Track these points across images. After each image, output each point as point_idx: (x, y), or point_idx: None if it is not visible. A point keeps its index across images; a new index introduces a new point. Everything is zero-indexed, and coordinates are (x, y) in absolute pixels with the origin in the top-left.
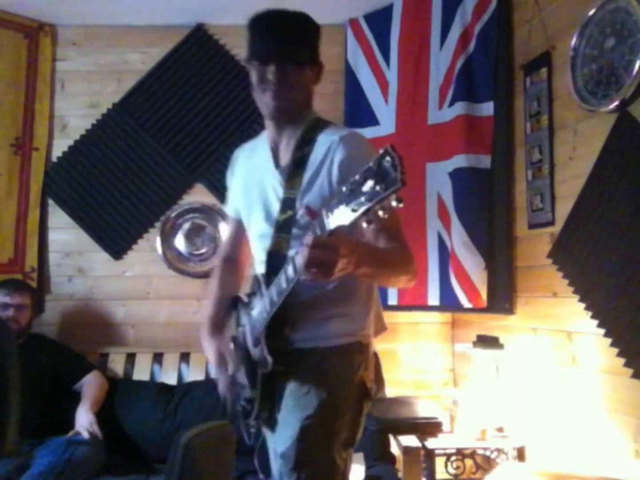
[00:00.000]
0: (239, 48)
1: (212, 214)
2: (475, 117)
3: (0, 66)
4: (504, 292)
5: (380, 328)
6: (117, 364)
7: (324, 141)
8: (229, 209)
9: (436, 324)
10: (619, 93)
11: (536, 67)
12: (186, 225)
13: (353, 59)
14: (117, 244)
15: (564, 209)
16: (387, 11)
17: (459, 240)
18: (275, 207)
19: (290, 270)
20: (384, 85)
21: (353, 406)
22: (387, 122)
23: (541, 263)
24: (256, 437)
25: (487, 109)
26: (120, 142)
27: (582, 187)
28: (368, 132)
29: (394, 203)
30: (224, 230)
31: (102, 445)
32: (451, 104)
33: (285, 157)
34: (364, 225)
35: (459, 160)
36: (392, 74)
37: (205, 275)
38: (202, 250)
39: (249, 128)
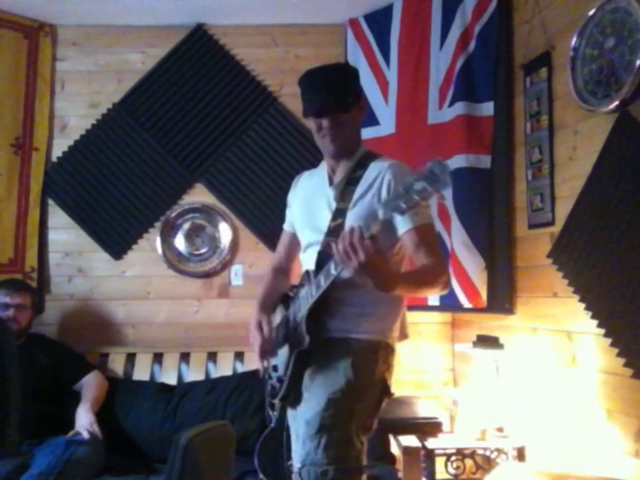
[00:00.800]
0: (239, 48)
1: (212, 214)
2: (475, 117)
3: (0, 66)
4: (504, 292)
5: (403, 335)
6: (117, 364)
7: (375, 167)
8: (286, 223)
9: (436, 324)
10: (619, 93)
11: (536, 67)
12: (186, 225)
13: (353, 59)
14: (117, 244)
15: (564, 209)
16: (387, 11)
17: (459, 240)
18: (327, 218)
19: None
20: (384, 85)
21: (373, 396)
22: (387, 122)
23: (541, 263)
24: (277, 423)
25: (487, 109)
26: (120, 142)
27: (582, 187)
28: (368, 132)
29: (425, 208)
30: (224, 231)
31: (102, 445)
32: (451, 104)
33: (339, 179)
34: (409, 215)
35: (459, 160)
36: (392, 74)
37: (205, 275)
38: (202, 250)
39: (249, 128)
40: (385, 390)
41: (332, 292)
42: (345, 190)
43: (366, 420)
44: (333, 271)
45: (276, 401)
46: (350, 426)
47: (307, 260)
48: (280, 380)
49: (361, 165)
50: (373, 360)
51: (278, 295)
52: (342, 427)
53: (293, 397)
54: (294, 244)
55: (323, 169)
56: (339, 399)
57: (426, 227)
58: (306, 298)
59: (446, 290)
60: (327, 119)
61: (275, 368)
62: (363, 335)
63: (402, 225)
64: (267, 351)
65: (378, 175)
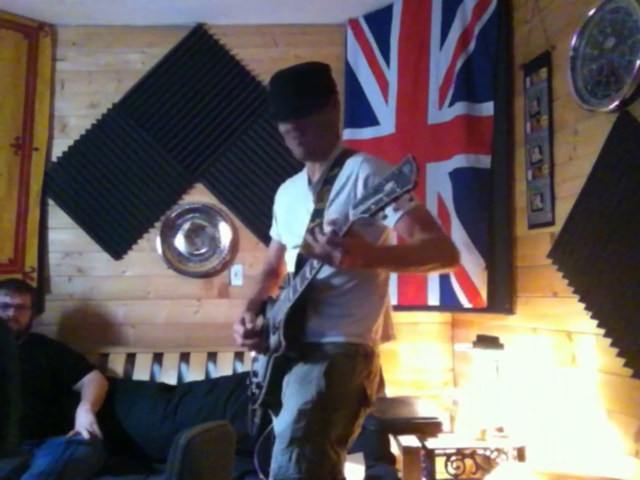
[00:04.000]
0: (239, 48)
1: (212, 214)
2: (475, 117)
3: (0, 66)
4: (504, 292)
5: (387, 336)
6: (117, 364)
7: (351, 163)
8: (272, 232)
9: (436, 324)
10: (619, 93)
11: (536, 67)
12: (186, 225)
13: (353, 59)
14: (117, 244)
15: (564, 209)
16: (387, 11)
17: (459, 240)
18: (307, 220)
19: (314, 261)
20: (384, 85)
21: (350, 406)
22: (387, 122)
23: (541, 263)
24: (258, 430)
25: (487, 109)
26: (120, 142)
27: (582, 187)
28: (368, 132)
29: (408, 201)
30: (224, 231)
31: (102, 445)
32: (451, 104)
33: (316, 179)
34: (382, 221)
35: (459, 160)
36: (392, 74)
37: (205, 275)
38: (202, 250)
39: (249, 128)
40: (364, 399)
41: (311, 294)
42: (322, 190)
43: (342, 432)
44: (308, 275)
45: (256, 407)
46: (324, 438)
47: (289, 262)
48: (259, 386)
49: (338, 164)
50: (350, 368)
51: (266, 296)
52: (314, 440)
53: (275, 403)
54: (283, 249)
55: (304, 171)
56: (309, 410)
57: (415, 210)
58: (284, 302)
59: (455, 264)
60: (291, 124)
61: (255, 373)
62: (341, 338)
63: (392, 218)
64: (249, 344)
65: (352, 171)
